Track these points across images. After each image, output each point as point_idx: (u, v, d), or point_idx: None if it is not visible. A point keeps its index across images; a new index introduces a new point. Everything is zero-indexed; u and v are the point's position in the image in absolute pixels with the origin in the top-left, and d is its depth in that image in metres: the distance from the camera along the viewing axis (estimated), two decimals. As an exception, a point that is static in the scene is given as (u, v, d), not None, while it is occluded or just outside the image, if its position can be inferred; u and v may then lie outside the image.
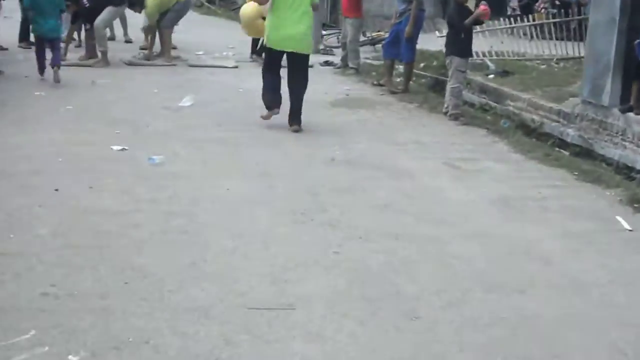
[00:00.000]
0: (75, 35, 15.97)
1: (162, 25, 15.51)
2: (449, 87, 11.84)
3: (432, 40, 16.36)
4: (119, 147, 9.02)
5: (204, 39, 18.23)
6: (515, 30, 18.47)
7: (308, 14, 10.27)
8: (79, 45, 15.93)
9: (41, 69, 12.77)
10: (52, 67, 12.47)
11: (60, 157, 8.54)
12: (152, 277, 5.66)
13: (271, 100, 10.66)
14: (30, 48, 15.35)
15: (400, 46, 13.35)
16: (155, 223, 6.74)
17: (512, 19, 18.83)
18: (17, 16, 16.26)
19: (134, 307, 5.17)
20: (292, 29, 10.16)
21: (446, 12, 11.99)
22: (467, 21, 11.38)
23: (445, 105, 11.83)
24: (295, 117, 10.51)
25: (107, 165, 8.37)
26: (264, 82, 10.64)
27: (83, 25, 15.24)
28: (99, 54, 14.68)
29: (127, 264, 5.86)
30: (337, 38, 18.47)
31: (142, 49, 16.28)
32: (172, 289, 5.48)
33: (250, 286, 5.61)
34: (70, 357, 4.53)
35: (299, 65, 10.54)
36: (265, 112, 10.70)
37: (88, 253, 6.03)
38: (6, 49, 15.41)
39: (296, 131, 10.40)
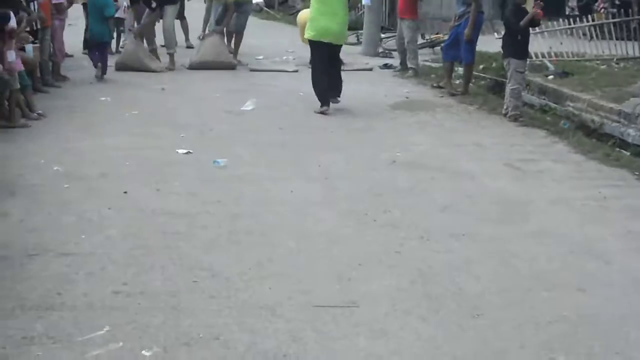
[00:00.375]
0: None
1: (236, 30, 15.86)
2: (508, 88, 11.80)
3: (491, 42, 16.35)
4: (184, 151, 9.23)
5: (264, 44, 18.43)
6: (574, 30, 18.38)
7: (343, 9, 11.47)
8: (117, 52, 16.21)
9: (95, 66, 13.45)
10: (95, 66, 13.12)
11: (128, 161, 8.76)
12: (220, 276, 5.83)
13: (324, 94, 11.70)
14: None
15: (459, 48, 13.39)
16: (222, 224, 6.92)
17: (571, 20, 18.76)
18: (82, 23, 16.58)
19: (203, 305, 5.35)
20: (329, 22, 11.46)
21: (504, 14, 11.93)
22: (522, 22, 11.41)
23: (505, 107, 11.82)
24: (336, 90, 11.95)
25: (173, 168, 8.59)
26: (313, 77, 11.73)
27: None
28: (168, 57, 15.04)
29: (195, 263, 6.04)
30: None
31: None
32: (240, 288, 5.64)
33: (315, 285, 5.75)
34: (143, 352, 4.71)
35: (336, 54, 11.96)
36: (318, 107, 11.55)
37: (157, 253, 6.22)
38: (71, 56, 15.71)
39: (337, 102, 11.91)
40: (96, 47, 13.60)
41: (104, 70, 13.63)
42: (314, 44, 11.72)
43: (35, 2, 11.57)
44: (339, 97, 11.98)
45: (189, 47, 17.70)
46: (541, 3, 11.67)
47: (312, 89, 11.79)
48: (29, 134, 9.76)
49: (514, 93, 11.69)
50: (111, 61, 14.65)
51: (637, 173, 9.16)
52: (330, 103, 11.68)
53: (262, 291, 5.62)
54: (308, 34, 11.70)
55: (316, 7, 11.52)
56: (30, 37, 11.19)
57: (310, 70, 12.21)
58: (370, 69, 15.03)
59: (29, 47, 11.08)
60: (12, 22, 9.95)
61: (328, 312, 5.30)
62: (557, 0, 23.86)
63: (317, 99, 11.76)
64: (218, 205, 7.44)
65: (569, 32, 18.20)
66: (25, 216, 6.92)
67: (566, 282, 6.00)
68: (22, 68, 10.31)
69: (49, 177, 8.11)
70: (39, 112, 10.58)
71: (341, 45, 12.00)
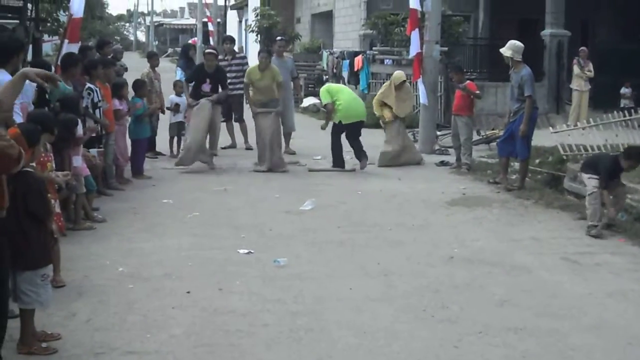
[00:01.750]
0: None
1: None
2: (587, 195, 10.92)
3: (547, 136, 16.47)
4: (245, 251, 9.43)
5: (321, 144, 18.70)
6: (629, 122, 18.42)
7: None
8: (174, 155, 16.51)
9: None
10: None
11: (190, 262, 8.98)
12: (282, 372, 5.96)
13: (341, 158, 15.59)
14: (156, 158, 16.13)
15: (514, 144, 13.50)
16: (282, 322, 7.07)
17: (625, 111, 18.82)
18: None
19: (265, 401, 5.48)
20: (359, 105, 15.84)
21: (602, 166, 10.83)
22: (598, 184, 10.69)
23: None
24: (361, 156, 15.33)
25: (234, 267, 8.78)
26: (333, 146, 15.63)
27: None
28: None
29: (257, 360, 6.18)
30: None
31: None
32: (301, 384, 5.77)
33: (375, 380, 5.86)
34: None
35: (359, 129, 15.53)
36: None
37: (220, 351, 6.39)
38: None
39: (364, 166, 15.31)
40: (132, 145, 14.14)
41: (134, 169, 14.17)
42: (340, 125, 15.42)
43: (100, 110, 11.97)
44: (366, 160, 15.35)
45: (248, 148, 18.00)
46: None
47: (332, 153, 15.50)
48: (93, 236, 10.03)
49: (592, 197, 10.74)
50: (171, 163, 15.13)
51: (696, 265, 9.15)
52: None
53: (323, 387, 5.74)
54: (347, 119, 15.35)
55: (344, 98, 15.45)
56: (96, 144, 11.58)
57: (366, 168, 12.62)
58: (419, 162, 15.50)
59: (94, 152, 11.43)
60: (80, 129, 10.33)
61: (388, 407, 5.39)
62: (612, 92, 23.98)
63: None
64: (278, 303, 7.60)
65: (624, 124, 18.23)
66: (92, 316, 7.13)
67: (625, 375, 6.03)
68: (89, 173, 10.65)
69: (114, 277, 8.34)
70: (100, 216, 10.88)
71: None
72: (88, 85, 11.77)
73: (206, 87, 15.82)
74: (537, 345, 6.61)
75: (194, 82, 16.20)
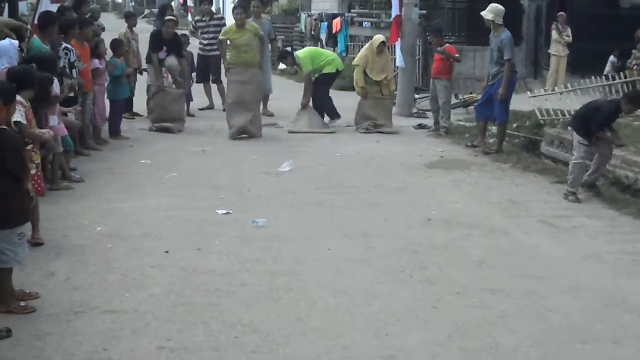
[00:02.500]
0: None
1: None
2: (572, 162, 10.94)
3: (525, 101, 16.51)
4: (224, 211, 9.42)
5: (299, 105, 18.64)
6: (608, 88, 18.49)
7: None
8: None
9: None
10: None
11: (169, 222, 8.97)
12: (261, 332, 6.00)
13: (335, 109, 16.29)
14: (134, 119, 16.04)
15: (492, 108, 13.51)
16: (261, 282, 7.09)
17: (603, 77, 18.87)
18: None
19: (245, 360, 5.51)
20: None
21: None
22: (598, 131, 10.57)
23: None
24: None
25: (213, 228, 8.78)
26: (325, 100, 16.28)
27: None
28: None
29: (237, 320, 6.21)
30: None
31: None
32: (281, 343, 5.80)
33: (354, 340, 5.90)
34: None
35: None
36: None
37: (200, 310, 6.41)
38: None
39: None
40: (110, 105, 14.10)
41: (112, 129, 14.18)
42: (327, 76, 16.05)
43: (77, 70, 11.87)
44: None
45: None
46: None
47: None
48: (71, 196, 9.99)
49: (577, 167, 10.75)
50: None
51: (672, 228, 9.24)
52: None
53: (302, 346, 5.77)
54: (333, 69, 16.05)
55: (322, 51, 17.20)
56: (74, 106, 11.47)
57: (347, 130, 12.57)
58: (396, 133, 15.35)
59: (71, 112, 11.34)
60: (56, 88, 10.24)
61: (367, 366, 5.44)
62: (590, 58, 23.99)
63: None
64: (258, 263, 7.61)
65: (601, 89, 18.30)
66: (71, 275, 7.13)
67: (601, 336, 6.11)
68: (66, 133, 10.58)
69: (92, 237, 8.33)
70: (78, 176, 10.83)
71: None
72: (64, 45, 11.65)
73: (162, 55, 15.41)
74: (515, 307, 6.66)
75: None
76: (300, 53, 16.35)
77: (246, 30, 14.76)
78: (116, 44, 14.49)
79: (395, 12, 18.03)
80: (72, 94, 11.41)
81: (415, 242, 8.40)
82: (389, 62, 16.51)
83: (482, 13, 13.59)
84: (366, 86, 15.67)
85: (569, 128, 11.39)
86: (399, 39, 17.94)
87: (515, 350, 5.80)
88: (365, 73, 15.68)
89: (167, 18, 16.16)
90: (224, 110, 17.74)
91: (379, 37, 16.00)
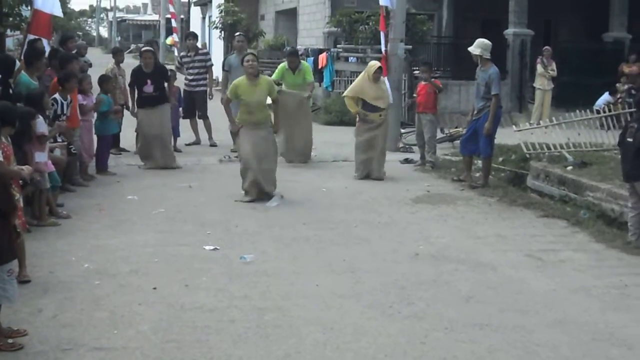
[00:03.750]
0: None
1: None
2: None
3: (510, 135, 16.59)
4: (211, 247, 9.43)
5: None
6: (592, 120, 18.59)
7: None
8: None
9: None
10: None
11: (156, 258, 8.96)
12: (250, 368, 5.98)
13: None
14: (120, 154, 16.03)
15: (477, 142, 13.58)
16: (250, 318, 7.09)
17: (588, 111, 18.98)
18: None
19: (234, 397, 5.50)
20: None
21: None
22: None
23: (630, 233, 10.19)
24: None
25: (201, 264, 8.77)
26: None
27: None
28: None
29: (225, 356, 6.22)
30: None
31: (232, 151, 16.88)
32: (270, 380, 5.79)
33: (343, 376, 5.89)
34: None
35: None
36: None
37: (188, 347, 6.40)
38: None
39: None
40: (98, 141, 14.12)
41: (99, 165, 14.18)
42: None
43: (66, 104, 11.90)
44: None
45: (212, 145, 17.97)
46: None
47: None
48: (58, 232, 9.98)
49: None
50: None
51: (658, 261, 9.28)
52: None
53: (291, 382, 5.76)
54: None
55: None
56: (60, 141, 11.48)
57: (332, 166, 12.50)
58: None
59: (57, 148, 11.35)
60: (43, 127, 10.24)
61: (356, 402, 5.43)
62: (574, 91, 24.14)
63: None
64: (245, 299, 7.61)
65: (585, 123, 18.40)
66: (58, 312, 7.11)
67: (589, 369, 6.12)
68: (53, 169, 10.59)
69: (80, 274, 8.31)
70: (64, 212, 10.82)
71: None
72: (54, 95, 11.66)
73: (148, 88, 14.90)
74: (503, 341, 6.68)
75: (136, 85, 15.17)
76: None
77: (258, 85, 12.26)
78: (103, 80, 14.53)
79: (384, 47, 18.18)
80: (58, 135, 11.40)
81: (402, 277, 8.42)
82: (385, 91, 14.83)
83: (470, 48, 13.65)
84: (362, 110, 14.40)
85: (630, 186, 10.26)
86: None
87: (503, 385, 5.81)
88: (362, 100, 14.44)
89: (143, 49, 15.84)
90: (211, 145, 17.88)
91: (374, 63, 15.01)
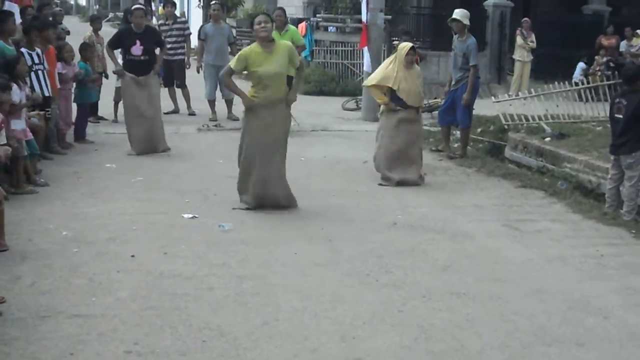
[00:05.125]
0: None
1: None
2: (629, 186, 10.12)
3: (488, 106, 16.63)
4: (190, 215, 9.42)
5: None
6: (570, 92, 18.66)
7: None
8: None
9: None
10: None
11: (135, 226, 8.95)
12: (228, 335, 6.01)
13: None
14: (98, 122, 15.93)
15: (456, 112, 13.59)
16: (228, 286, 7.11)
17: (566, 83, 19.05)
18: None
19: (213, 364, 5.53)
20: None
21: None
22: None
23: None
24: None
25: (179, 232, 8.77)
26: None
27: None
28: None
29: (204, 324, 6.22)
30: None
31: (211, 120, 16.84)
32: (248, 347, 5.82)
33: (321, 343, 5.93)
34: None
35: None
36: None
37: (167, 314, 6.40)
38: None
39: None
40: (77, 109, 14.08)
41: (77, 133, 14.11)
42: None
43: (45, 72, 11.84)
44: None
45: (191, 114, 17.90)
46: None
47: None
48: (36, 200, 9.94)
49: (636, 191, 10.13)
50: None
51: (633, 231, 9.36)
52: None
53: (269, 350, 5.80)
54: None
55: None
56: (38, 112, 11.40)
57: (309, 135, 12.40)
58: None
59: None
60: (16, 95, 10.17)
61: (334, 369, 5.48)
62: (553, 63, 24.20)
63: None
64: (224, 267, 7.63)
65: (564, 94, 18.47)
66: (36, 279, 7.09)
67: (565, 338, 6.18)
68: (31, 137, 10.55)
69: (58, 241, 8.29)
70: (42, 180, 10.77)
71: None
72: (21, 49, 11.56)
73: (137, 50, 13.29)
74: (480, 310, 6.72)
75: (121, 47, 13.62)
76: None
77: (275, 52, 9.65)
78: (83, 48, 14.43)
79: (364, 16, 18.13)
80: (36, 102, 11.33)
81: (380, 246, 8.45)
82: (419, 85, 11.98)
83: (458, 17, 13.53)
84: (392, 103, 11.68)
85: (627, 159, 10.06)
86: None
87: (480, 353, 5.86)
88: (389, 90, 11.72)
89: (134, 7, 14.46)
90: (189, 114, 17.80)
91: (406, 44, 12.07)
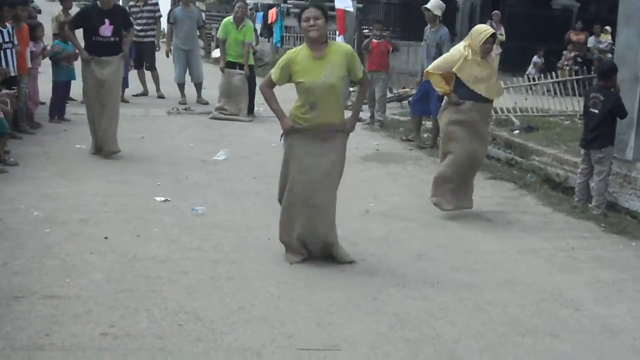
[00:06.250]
0: None
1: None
2: (598, 181, 10.06)
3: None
4: (162, 198, 9.39)
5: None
6: (539, 86, 18.79)
7: None
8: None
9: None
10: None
11: (107, 207, 8.90)
12: (204, 319, 5.98)
13: None
14: (68, 103, 15.78)
15: (428, 103, 13.62)
16: (203, 270, 7.08)
17: (536, 77, 19.18)
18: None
19: (189, 347, 5.51)
20: None
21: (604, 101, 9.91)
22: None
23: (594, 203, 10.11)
24: None
25: (152, 215, 8.73)
26: None
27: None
28: None
29: (179, 307, 6.19)
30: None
31: (180, 103, 16.80)
32: (224, 331, 5.80)
33: (297, 328, 5.93)
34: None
35: None
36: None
37: (142, 297, 6.37)
38: (43, 103, 15.56)
39: None
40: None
41: (54, 111, 14.20)
42: None
43: (13, 51, 11.71)
44: None
45: (160, 97, 17.83)
46: None
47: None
48: (6, 180, 9.85)
49: (605, 186, 10.14)
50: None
51: (603, 225, 9.44)
52: None
53: (246, 334, 5.78)
54: None
55: None
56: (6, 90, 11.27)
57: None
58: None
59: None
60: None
61: (311, 355, 5.48)
62: (521, 57, 24.34)
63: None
64: (198, 251, 7.60)
65: (533, 88, 18.60)
66: (8, 259, 7.02)
67: (539, 329, 6.22)
68: (1, 116, 10.44)
69: (29, 221, 8.22)
70: (12, 159, 10.66)
71: None
72: None
73: (106, 30, 11.47)
74: (454, 299, 6.74)
75: (86, 28, 11.64)
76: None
77: (328, 58, 7.35)
78: (62, 27, 14.29)
79: (337, 4, 18.10)
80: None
81: (354, 234, 8.44)
82: (495, 70, 9.93)
83: (430, 7, 13.57)
84: (454, 96, 9.52)
85: (597, 153, 10.06)
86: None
87: (456, 341, 5.88)
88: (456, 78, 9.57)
89: None
90: (159, 97, 17.72)
91: (484, 28, 9.66)
